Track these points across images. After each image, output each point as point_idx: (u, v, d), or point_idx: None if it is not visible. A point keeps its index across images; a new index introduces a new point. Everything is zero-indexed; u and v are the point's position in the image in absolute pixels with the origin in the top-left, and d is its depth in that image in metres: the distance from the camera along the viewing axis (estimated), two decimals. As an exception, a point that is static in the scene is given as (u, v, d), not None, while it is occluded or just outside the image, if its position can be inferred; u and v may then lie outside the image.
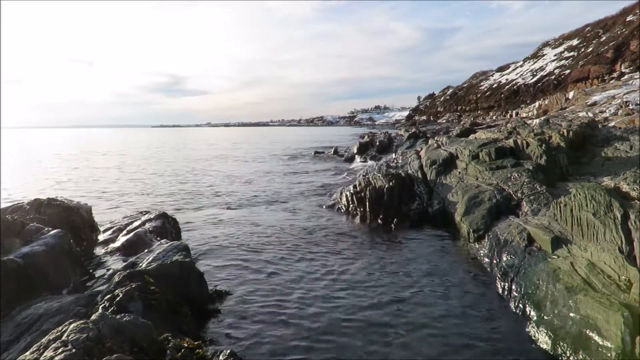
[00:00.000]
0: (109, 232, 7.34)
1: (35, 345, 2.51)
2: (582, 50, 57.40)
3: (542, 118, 19.25)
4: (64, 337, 2.49)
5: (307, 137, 58.51)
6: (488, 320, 4.32)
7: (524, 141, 9.37)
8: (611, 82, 39.03)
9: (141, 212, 8.54)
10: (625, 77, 38.39)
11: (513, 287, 4.78)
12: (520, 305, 4.42)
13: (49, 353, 2.34)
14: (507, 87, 67.67)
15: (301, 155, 27.01)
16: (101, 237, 7.12)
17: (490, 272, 5.57)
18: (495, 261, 5.70)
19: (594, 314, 3.54)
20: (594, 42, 56.50)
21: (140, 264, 4.72)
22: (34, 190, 13.40)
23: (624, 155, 9.28)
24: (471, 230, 6.80)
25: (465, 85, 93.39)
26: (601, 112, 22.35)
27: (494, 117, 54.62)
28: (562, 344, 3.62)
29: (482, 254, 6.19)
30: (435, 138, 15.85)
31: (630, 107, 21.43)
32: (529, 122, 18.41)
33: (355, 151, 24.35)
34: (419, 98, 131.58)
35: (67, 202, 6.74)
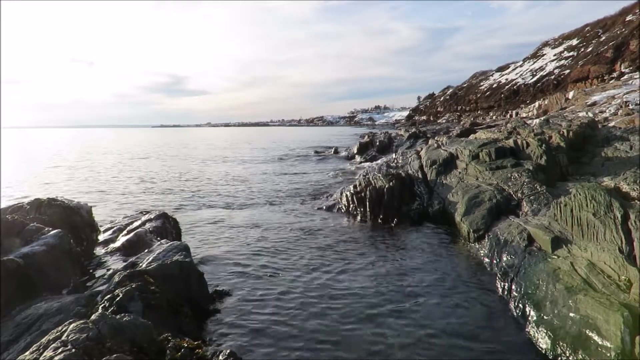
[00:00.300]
0: (109, 232, 7.34)
1: (35, 345, 2.51)
2: (582, 50, 57.40)
3: (542, 118, 19.25)
4: (63, 337, 2.49)
5: (307, 137, 58.51)
6: (488, 320, 4.32)
7: (524, 141, 9.37)
8: (611, 82, 39.04)
9: (141, 212, 8.54)
10: (625, 77, 38.38)
11: (513, 287, 4.78)
12: (520, 305, 4.42)
13: (48, 353, 2.34)
14: (507, 87, 67.64)
15: (301, 155, 27.00)
16: (101, 237, 7.12)
17: (490, 272, 5.57)
18: (495, 261, 5.70)
19: (593, 314, 3.54)
20: (593, 42, 56.49)
21: (141, 264, 4.73)
22: (34, 190, 13.40)
23: (624, 155, 9.28)
24: (471, 230, 6.80)
25: (465, 85, 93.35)
26: (601, 112, 22.35)
27: (494, 117, 54.62)
28: (562, 343, 3.62)
29: (482, 254, 6.19)
30: (435, 138, 15.85)
31: (630, 107, 21.43)
32: (529, 122, 18.42)
33: (355, 151, 24.36)
34: (419, 98, 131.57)
35: (67, 202, 6.73)
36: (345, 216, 9.09)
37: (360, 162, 20.55)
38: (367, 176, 10.01)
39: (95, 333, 2.55)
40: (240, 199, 11.68)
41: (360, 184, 9.30)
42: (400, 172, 10.15)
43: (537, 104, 43.41)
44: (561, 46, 67.75)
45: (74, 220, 6.43)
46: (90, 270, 5.87)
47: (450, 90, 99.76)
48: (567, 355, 3.52)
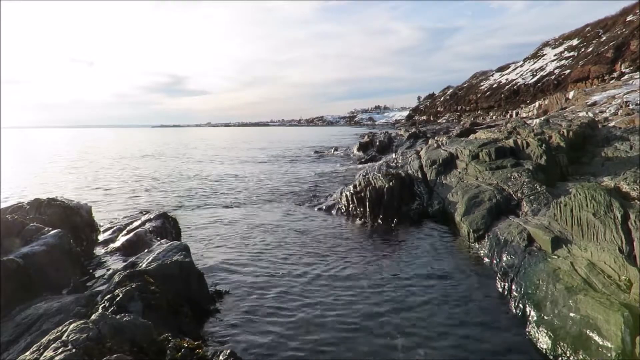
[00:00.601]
0: (109, 232, 7.34)
1: (35, 345, 2.51)
2: (582, 50, 57.38)
3: (542, 118, 19.25)
4: (64, 337, 2.49)
5: (307, 137, 58.52)
6: (488, 320, 4.32)
7: (524, 141, 9.37)
8: (611, 82, 39.03)
9: (141, 212, 8.55)
10: (625, 77, 38.38)
11: (513, 287, 4.78)
12: (520, 305, 4.42)
13: (49, 353, 2.34)
14: (507, 87, 67.62)
15: (301, 155, 27.00)
16: (101, 237, 7.12)
17: (490, 272, 5.57)
18: (495, 261, 5.70)
19: (594, 314, 3.54)
20: (594, 42, 56.48)
21: (140, 264, 4.72)
22: (34, 190, 13.40)
23: (624, 155, 9.28)
24: (471, 230, 6.80)
25: (465, 85, 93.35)
26: (601, 112, 22.35)
27: (494, 117, 54.61)
28: (562, 344, 3.62)
29: (482, 254, 6.19)
30: (435, 138, 15.85)
31: (630, 107, 21.43)
32: (529, 122, 18.41)
33: (355, 151, 24.37)
34: (419, 98, 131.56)
35: (67, 202, 6.73)
36: (345, 216, 9.09)
37: (360, 162, 20.56)
38: (367, 176, 10.01)
39: (96, 333, 2.55)
40: (240, 199, 11.67)
41: (360, 184, 9.30)
42: (400, 172, 10.15)
43: (537, 104, 43.41)
44: (561, 46, 67.74)
45: (74, 220, 6.42)
46: (90, 270, 5.87)
47: (451, 90, 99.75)
48: (568, 355, 3.52)
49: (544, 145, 8.99)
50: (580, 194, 4.89)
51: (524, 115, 40.96)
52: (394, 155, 16.75)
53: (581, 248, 4.50)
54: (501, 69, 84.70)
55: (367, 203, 8.70)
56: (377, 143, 24.90)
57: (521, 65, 75.57)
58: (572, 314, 3.74)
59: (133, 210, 9.68)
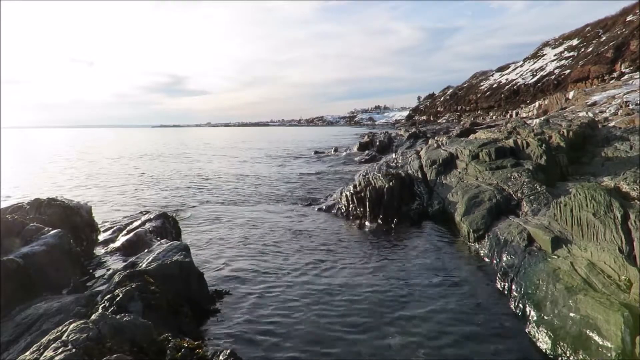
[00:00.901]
0: (109, 232, 7.34)
1: (35, 345, 2.51)
2: (582, 50, 57.38)
3: (542, 118, 19.25)
4: (64, 337, 2.49)
5: (307, 137, 58.52)
6: (488, 320, 4.32)
7: (524, 141, 9.37)
8: (611, 82, 39.04)
9: (141, 212, 8.56)
10: (625, 77, 38.39)
11: (513, 287, 4.78)
12: (520, 305, 4.42)
13: (49, 353, 2.34)
14: (507, 87, 67.62)
15: (301, 155, 27.00)
16: (101, 237, 7.12)
17: (490, 272, 5.57)
18: (495, 261, 5.70)
19: (594, 313, 3.54)
20: (594, 42, 56.48)
21: (140, 264, 4.72)
22: (34, 190, 13.40)
23: (624, 155, 9.28)
24: (471, 230, 6.80)
25: (465, 85, 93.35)
26: (601, 112, 22.35)
27: (494, 117, 54.62)
28: (562, 343, 3.62)
29: (482, 254, 6.19)
30: (435, 138, 15.85)
31: (630, 107, 21.43)
32: (529, 122, 18.42)
33: (355, 151, 24.38)
34: (419, 98, 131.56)
35: (67, 202, 6.74)
36: (345, 216, 9.09)
37: (360, 162, 20.55)
38: (366, 176, 10.00)
39: (96, 333, 2.55)
40: (240, 199, 11.68)
41: (359, 184, 9.30)
42: (400, 172, 10.14)
43: (537, 104, 43.41)
44: (561, 46, 67.75)
45: (74, 220, 6.43)
46: (90, 270, 5.87)
47: (451, 90, 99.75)
48: (568, 355, 3.52)
49: (544, 145, 8.99)
50: (580, 194, 4.89)
51: (524, 115, 40.96)
52: (394, 155, 16.74)
53: (581, 248, 4.50)
54: (501, 69, 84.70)
55: (367, 203, 8.70)
56: (377, 143, 24.91)
57: (521, 65, 75.57)
58: (572, 314, 3.74)
59: (133, 210, 9.68)
